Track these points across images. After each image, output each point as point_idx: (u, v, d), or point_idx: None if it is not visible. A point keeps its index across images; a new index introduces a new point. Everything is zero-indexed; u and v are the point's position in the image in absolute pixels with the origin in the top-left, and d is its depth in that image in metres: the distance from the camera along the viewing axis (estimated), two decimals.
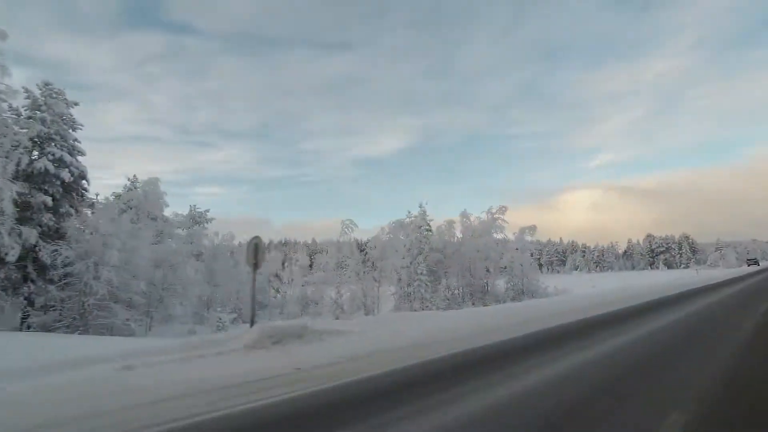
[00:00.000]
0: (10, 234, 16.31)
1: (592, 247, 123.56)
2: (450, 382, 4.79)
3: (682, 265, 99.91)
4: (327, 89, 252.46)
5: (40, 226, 18.56)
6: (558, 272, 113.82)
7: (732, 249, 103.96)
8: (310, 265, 34.42)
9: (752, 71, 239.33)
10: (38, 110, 19.60)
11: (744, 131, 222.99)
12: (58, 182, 19.22)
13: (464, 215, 35.37)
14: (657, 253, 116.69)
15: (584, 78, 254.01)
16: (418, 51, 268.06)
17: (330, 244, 32.64)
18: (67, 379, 5.02)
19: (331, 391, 4.46)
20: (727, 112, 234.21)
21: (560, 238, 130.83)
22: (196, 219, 39.14)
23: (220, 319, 20.44)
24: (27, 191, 18.01)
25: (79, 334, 16.83)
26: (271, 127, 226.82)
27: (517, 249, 36.29)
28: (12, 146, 16.36)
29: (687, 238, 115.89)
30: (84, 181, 22.26)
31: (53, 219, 19.00)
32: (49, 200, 18.77)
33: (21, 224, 17.58)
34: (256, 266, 8.71)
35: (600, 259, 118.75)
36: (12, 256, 16.34)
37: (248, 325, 9.32)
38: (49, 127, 19.54)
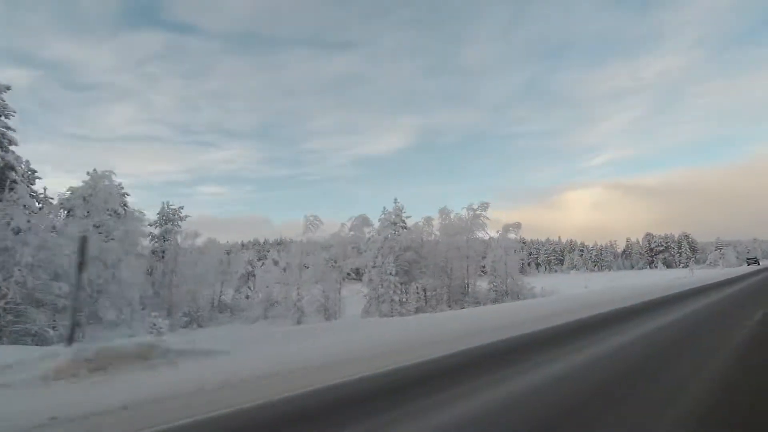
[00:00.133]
0: None
1: (590, 246, 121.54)
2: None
3: (681, 265, 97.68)
4: (328, 89, 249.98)
5: None
6: (555, 272, 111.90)
7: (732, 248, 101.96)
8: (276, 263, 32.42)
9: (753, 70, 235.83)
10: None
11: (745, 130, 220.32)
12: None
13: (443, 212, 33.28)
14: (656, 252, 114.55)
15: (585, 76, 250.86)
16: (418, 50, 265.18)
17: (295, 244, 30.49)
18: None
19: None
20: (728, 110, 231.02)
21: (559, 237, 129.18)
22: (169, 217, 37.26)
23: (155, 324, 18.31)
24: None
25: None
26: (273, 126, 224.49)
27: (502, 248, 34.32)
28: None
29: (687, 237, 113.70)
30: (12, 173, 20.33)
31: None
32: None
33: None
34: (81, 267, 6.63)
35: (598, 259, 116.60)
36: None
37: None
38: None
